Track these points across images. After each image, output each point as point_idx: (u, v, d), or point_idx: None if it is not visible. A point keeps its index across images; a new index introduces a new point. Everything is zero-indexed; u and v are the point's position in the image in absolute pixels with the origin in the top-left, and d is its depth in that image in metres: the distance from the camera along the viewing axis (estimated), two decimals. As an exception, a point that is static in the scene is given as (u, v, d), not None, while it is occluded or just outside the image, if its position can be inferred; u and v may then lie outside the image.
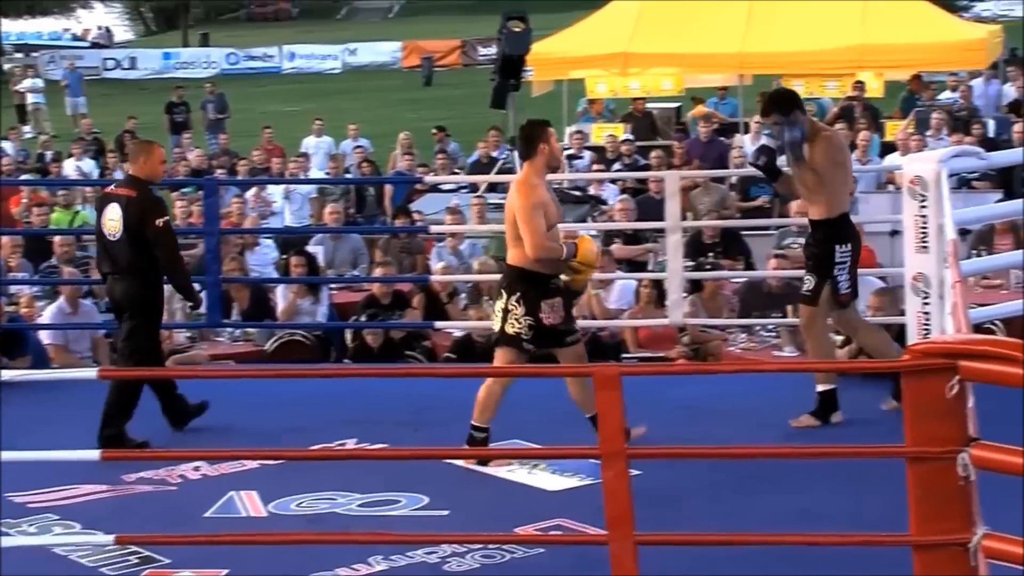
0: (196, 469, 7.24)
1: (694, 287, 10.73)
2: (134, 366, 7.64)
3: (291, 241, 13.39)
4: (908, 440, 4.57)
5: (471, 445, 7.11)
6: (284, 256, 12.75)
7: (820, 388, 7.56)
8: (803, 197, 7.76)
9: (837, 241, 7.53)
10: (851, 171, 7.82)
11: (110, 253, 7.70)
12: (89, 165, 19.83)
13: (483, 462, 7.12)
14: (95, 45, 52.59)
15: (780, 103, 7.52)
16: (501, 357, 7.17)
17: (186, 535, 6.05)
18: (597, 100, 20.21)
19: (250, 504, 6.71)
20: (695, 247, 12.19)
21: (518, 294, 7.06)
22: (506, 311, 7.09)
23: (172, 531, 6.20)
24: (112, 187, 7.94)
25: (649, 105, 19.82)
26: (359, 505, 6.63)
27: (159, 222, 7.60)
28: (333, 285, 12.10)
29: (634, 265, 12.45)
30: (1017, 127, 16.21)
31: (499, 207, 15.38)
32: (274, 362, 10.51)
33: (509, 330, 7.07)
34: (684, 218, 13.52)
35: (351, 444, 7.58)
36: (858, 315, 7.86)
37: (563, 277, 7.21)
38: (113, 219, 7.64)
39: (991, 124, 18.23)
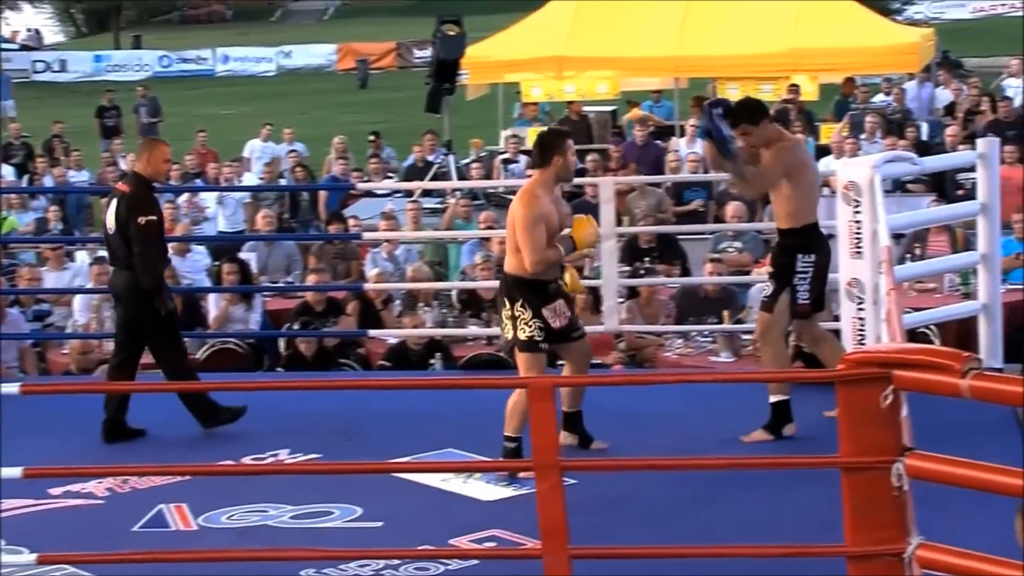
0: (124, 482, 7.12)
1: (630, 293, 10.72)
2: (171, 367, 7.88)
3: (223, 247, 13.26)
4: (843, 450, 4.57)
5: (507, 457, 6.98)
6: (216, 263, 12.62)
7: (773, 399, 7.45)
8: (772, 203, 7.76)
9: (800, 251, 7.48)
10: (815, 182, 7.74)
11: (110, 246, 8.00)
12: (8, 171, 19.57)
13: (513, 475, 6.92)
14: (24, 47, 51.95)
15: (750, 113, 7.50)
16: (524, 363, 7.03)
17: (113, 552, 5.94)
18: (531, 103, 20.20)
19: (179, 517, 6.61)
20: (631, 252, 12.19)
21: (520, 300, 7.01)
22: (515, 318, 7.02)
23: (99, 547, 6.09)
24: (119, 182, 8.34)
25: (585, 109, 19.83)
26: (291, 517, 6.56)
27: (141, 220, 7.75)
28: (266, 292, 12.00)
29: (570, 270, 12.40)
30: (949, 130, 16.35)
31: (435, 212, 15.48)
32: (206, 371, 10.38)
33: (523, 336, 6.99)
34: (620, 222, 13.54)
35: (284, 455, 7.50)
36: (820, 328, 7.82)
37: (562, 279, 7.11)
38: (110, 214, 7.91)
39: (924, 127, 18.38)
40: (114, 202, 7.90)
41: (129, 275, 7.84)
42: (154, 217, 7.82)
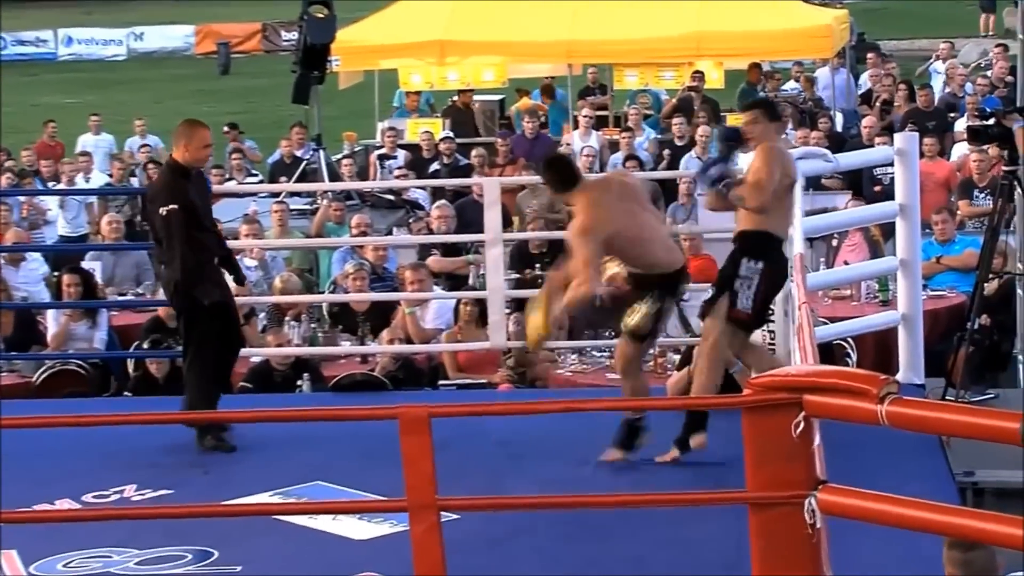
0: (-53, 526, 6.93)
1: (519, 303, 10.66)
2: (191, 374, 8.14)
3: (64, 256, 13.01)
4: (750, 484, 4.54)
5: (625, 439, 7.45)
6: (56, 273, 12.37)
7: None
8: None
9: (746, 255, 7.51)
10: (788, 188, 7.71)
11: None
12: None
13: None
14: None
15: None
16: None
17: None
18: (412, 93, 20.09)
19: (8, 566, 6.43)
20: (521, 257, 12.14)
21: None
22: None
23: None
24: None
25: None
26: (137, 563, 6.44)
27: (162, 211, 7.94)
28: (112, 307, 11.77)
29: (454, 279, 12.35)
30: (866, 121, 16.52)
31: (304, 213, 15.32)
32: (42, 396, 10.17)
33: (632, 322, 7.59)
34: (509, 224, 13.48)
35: (130, 491, 7.38)
36: (754, 345, 7.85)
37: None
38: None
39: (839, 117, 18.58)
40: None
41: (166, 271, 8.16)
42: (174, 206, 7.93)
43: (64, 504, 7.14)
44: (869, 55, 21.61)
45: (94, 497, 7.30)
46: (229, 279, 8.43)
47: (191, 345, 8.21)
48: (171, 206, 7.95)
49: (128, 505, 7.20)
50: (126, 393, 10.35)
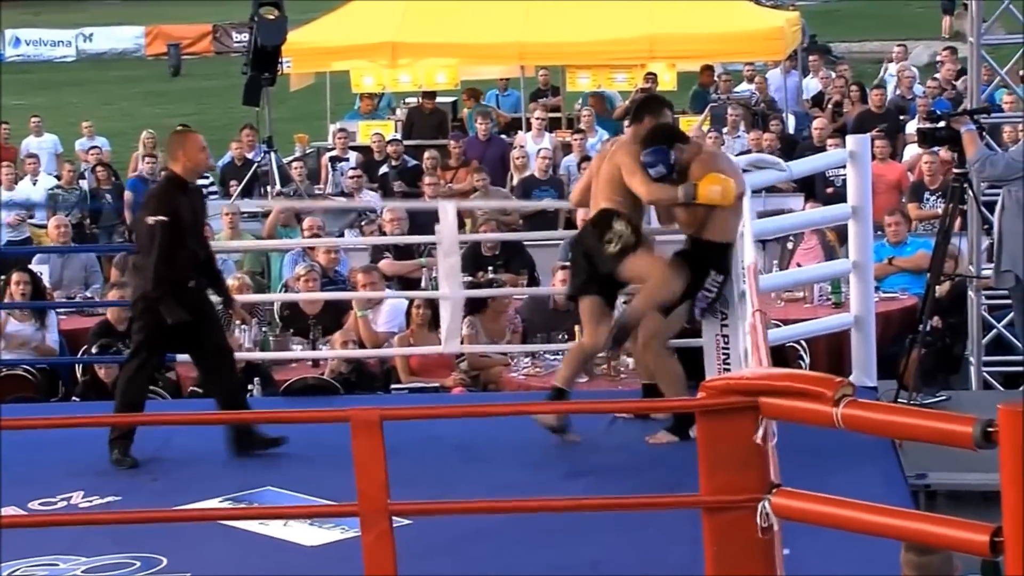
0: None
1: (473, 307, 10.61)
2: (124, 385, 7.98)
3: (8, 260, 12.87)
4: (704, 487, 4.52)
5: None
6: (2, 276, 12.23)
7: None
8: (680, 213, 7.85)
9: (715, 268, 7.68)
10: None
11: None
12: None
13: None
14: None
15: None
16: None
17: None
18: (367, 95, 19.99)
19: (-50, 575, 6.36)
20: (474, 260, 12.09)
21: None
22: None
23: None
24: None
25: (420, 100, 19.62)
26: (85, 571, 6.38)
27: (150, 219, 7.84)
28: (61, 309, 11.66)
29: (406, 282, 12.29)
30: (817, 123, 16.55)
31: (254, 216, 15.22)
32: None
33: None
34: (462, 226, 13.42)
35: (77, 498, 7.31)
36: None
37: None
38: None
39: (791, 119, 18.61)
40: None
41: (136, 279, 8.11)
42: (162, 218, 7.79)
43: (9, 511, 7.03)
44: (812, 58, 21.66)
45: (40, 504, 7.22)
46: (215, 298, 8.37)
47: (137, 355, 8.05)
48: (159, 217, 7.82)
49: (75, 512, 7.12)
50: (74, 398, 10.25)
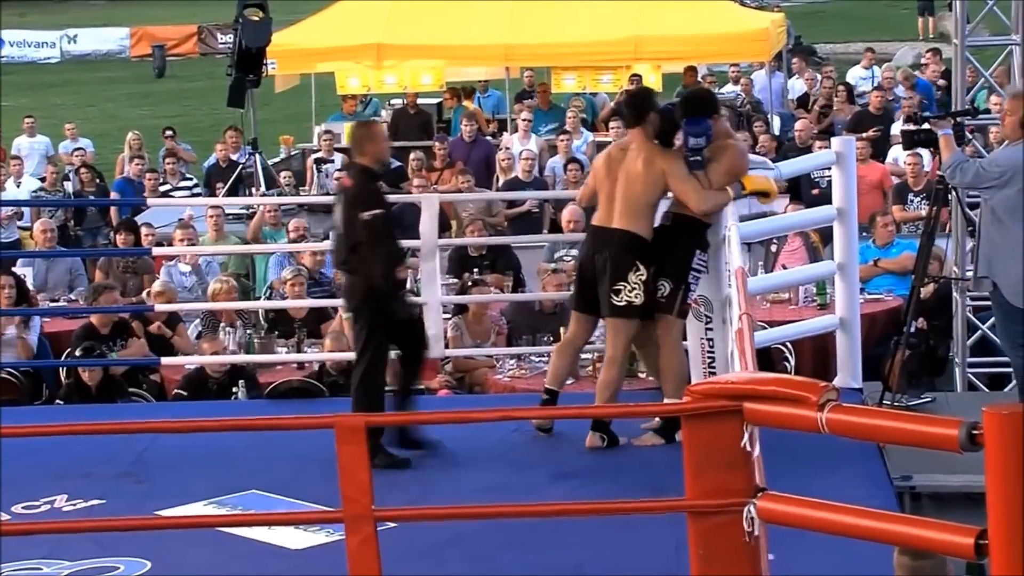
0: None
1: (458, 308, 10.61)
2: (362, 385, 7.67)
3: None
4: (689, 491, 4.51)
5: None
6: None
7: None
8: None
9: (700, 247, 7.73)
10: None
11: (337, 246, 8.05)
12: None
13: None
14: None
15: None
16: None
17: None
18: (351, 97, 19.97)
19: (-68, 580, 6.34)
20: (459, 262, 12.08)
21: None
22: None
23: None
24: (342, 177, 8.61)
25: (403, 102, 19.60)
26: (68, 575, 6.34)
27: (365, 215, 7.71)
28: (45, 313, 11.62)
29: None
30: (799, 124, 16.56)
31: (239, 218, 15.19)
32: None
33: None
34: (448, 227, 13.42)
35: (61, 501, 7.28)
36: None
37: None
38: (337, 212, 7.94)
39: (776, 121, 18.61)
40: (341, 200, 7.96)
41: (351, 279, 7.87)
42: (379, 211, 7.74)
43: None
44: (794, 59, 21.68)
45: (24, 508, 7.20)
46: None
47: (365, 356, 7.78)
48: (375, 211, 7.72)
49: (59, 516, 7.09)
50: (58, 401, 10.22)
